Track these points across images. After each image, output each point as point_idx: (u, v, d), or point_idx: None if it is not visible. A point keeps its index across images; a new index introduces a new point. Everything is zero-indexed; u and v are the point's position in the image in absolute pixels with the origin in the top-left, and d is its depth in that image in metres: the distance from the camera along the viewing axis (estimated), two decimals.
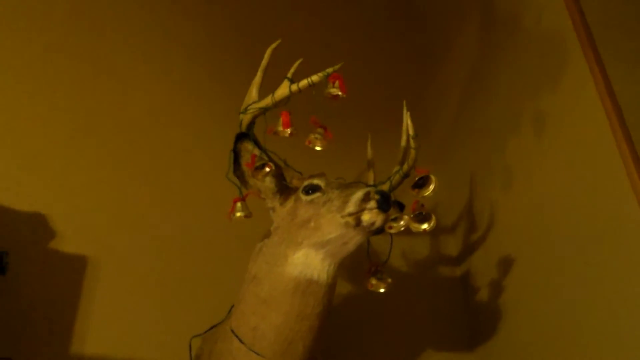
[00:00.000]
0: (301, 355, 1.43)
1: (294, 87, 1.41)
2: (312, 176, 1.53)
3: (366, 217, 1.37)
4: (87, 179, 1.94)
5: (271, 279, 1.45)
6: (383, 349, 2.08)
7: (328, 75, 1.39)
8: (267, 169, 1.44)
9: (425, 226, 1.51)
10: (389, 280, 1.59)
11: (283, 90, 1.43)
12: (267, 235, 1.55)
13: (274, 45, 1.51)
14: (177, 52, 2.29)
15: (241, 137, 1.50)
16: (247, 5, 2.53)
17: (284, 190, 1.55)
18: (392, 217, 1.45)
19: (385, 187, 1.57)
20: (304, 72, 1.41)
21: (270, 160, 1.49)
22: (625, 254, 1.51)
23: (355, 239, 1.43)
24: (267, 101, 1.45)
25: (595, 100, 1.62)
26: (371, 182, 1.69)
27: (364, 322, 2.07)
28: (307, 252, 1.43)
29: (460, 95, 2.47)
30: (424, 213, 1.51)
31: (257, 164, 1.43)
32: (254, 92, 1.50)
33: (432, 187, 1.49)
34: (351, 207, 1.38)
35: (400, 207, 1.54)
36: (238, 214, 1.47)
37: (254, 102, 1.48)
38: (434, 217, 1.51)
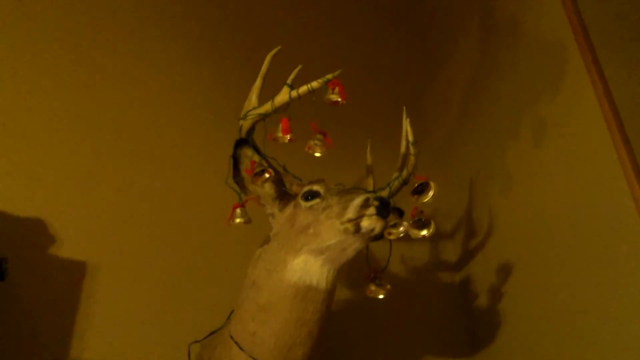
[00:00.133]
0: None
1: (294, 93, 1.41)
2: (311, 182, 1.53)
3: (365, 224, 1.37)
4: (86, 185, 1.94)
5: (270, 285, 1.45)
6: (382, 355, 2.07)
7: (328, 82, 1.39)
8: (267, 175, 1.44)
9: (424, 232, 1.51)
10: (388, 286, 1.59)
11: (283, 96, 1.43)
12: (267, 241, 1.55)
13: (273, 52, 1.51)
14: (177, 59, 2.29)
15: (241, 143, 1.50)
16: (248, 12, 2.53)
17: (284, 196, 1.55)
18: (392, 223, 1.45)
19: (384, 194, 1.57)
20: (304, 79, 1.42)
21: (270, 166, 1.49)
22: (624, 259, 1.51)
23: (354, 245, 1.43)
24: (267, 107, 1.45)
25: (594, 106, 1.62)
26: (370, 188, 1.69)
27: (363, 328, 2.07)
28: (306, 258, 1.44)
29: (459, 101, 2.47)
30: (423, 219, 1.51)
31: (257, 170, 1.43)
32: (253, 98, 1.50)
33: (431, 193, 1.49)
34: (350, 214, 1.38)
35: (400, 213, 1.54)
36: (237, 220, 1.47)
37: (253, 108, 1.48)
38: (433, 223, 1.51)
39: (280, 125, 1.42)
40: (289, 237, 1.47)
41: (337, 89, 1.39)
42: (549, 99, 1.84)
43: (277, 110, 1.45)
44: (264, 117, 1.47)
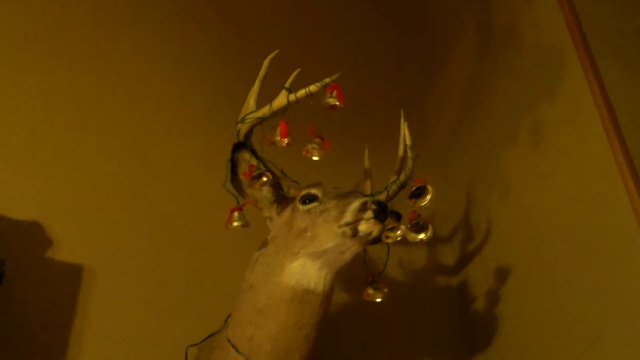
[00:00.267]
0: None
1: (292, 97, 1.41)
2: (309, 186, 1.54)
3: (363, 227, 1.37)
4: (84, 188, 1.93)
5: (268, 288, 1.45)
6: (380, 359, 2.07)
7: (326, 85, 1.40)
8: (265, 179, 1.44)
9: (422, 236, 1.51)
10: (386, 290, 1.59)
11: (281, 100, 1.43)
12: (264, 244, 1.55)
13: (272, 55, 1.51)
14: (175, 63, 2.29)
15: (239, 146, 1.50)
16: (246, 16, 2.53)
17: (281, 199, 1.55)
18: (389, 226, 1.45)
19: (382, 197, 1.57)
20: (302, 82, 1.42)
21: (268, 169, 1.49)
22: (622, 263, 1.51)
23: (352, 248, 1.43)
24: (265, 111, 1.46)
25: (592, 110, 1.62)
26: (368, 192, 1.69)
27: (361, 332, 2.07)
28: (303, 262, 1.44)
29: (457, 105, 2.48)
30: (420, 223, 1.51)
31: (255, 173, 1.44)
32: (251, 101, 1.50)
33: (429, 197, 1.49)
34: (348, 217, 1.38)
35: (397, 216, 1.54)
36: (235, 224, 1.46)
37: (251, 112, 1.48)
38: (430, 227, 1.51)
39: (278, 128, 1.42)
40: (287, 240, 1.47)
41: (335, 93, 1.39)
42: (547, 103, 1.84)
43: (275, 114, 1.45)
44: (262, 120, 1.47)
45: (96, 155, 2.00)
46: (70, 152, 1.97)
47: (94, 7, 2.24)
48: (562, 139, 1.77)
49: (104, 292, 1.82)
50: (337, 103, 1.40)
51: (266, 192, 1.53)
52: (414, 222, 1.51)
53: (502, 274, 2.01)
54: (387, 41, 2.84)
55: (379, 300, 1.58)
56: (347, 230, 1.38)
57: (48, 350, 1.70)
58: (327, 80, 1.39)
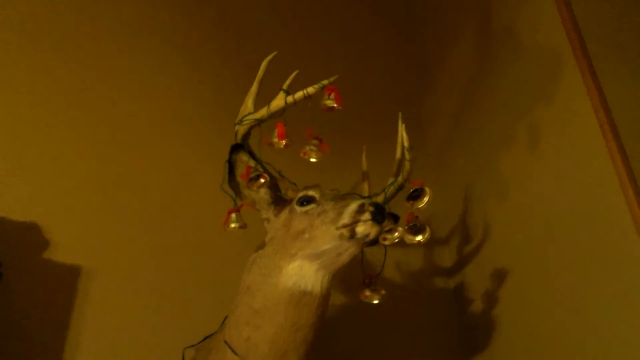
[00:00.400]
0: None
1: (290, 98, 1.41)
2: (306, 187, 1.54)
3: (360, 229, 1.37)
4: (81, 189, 1.94)
5: (265, 289, 1.45)
6: None
7: (324, 87, 1.39)
8: (262, 180, 1.44)
9: (419, 238, 1.51)
10: (383, 291, 1.59)
11: (278, 101, 1.43)
12: (262, 246, 1.55)
13: (270, 57, 1.51)
14: (173, 64, 2.29)
15: (236, 148, 1.50)
16: (245, 18, 2.53)
17: (279, 201, 1.55)
18: (387, 228, 1.45)
19: (379, 199, 1.58)
20: (300, 84, 1.42)
21: (265, 171, 1.49)
22: (619, 265, 1.52)
23: (349, 250, 1.43)
24: (263, 112, 1.46)
25: (589, 112, 1.63)
26: (366, 194, 1.69)
27: (358, 334, 2.07)
28: (301, 264, 1.43)
29: (455, 107, 2.48)
30: (418, 225, 1.51)
31: (252, 175, 1.44)
32: (249, 103, 1.50)
33: (426, 199, 1.49)
34: (346, 219, 1.38)
35: (395, 218, 1.54)
36: (232, 225, 1.46)
37: (249, 114, 1.48)
38: (428, 229, 1.51)
39: (276, 130, 1.42)
40: (284, 242, 1.47)
41: (333, 95, 1.39)
42: (544, 106, 1.85)
43: (272, 116, 1.45)
44: (259, 122, 1.47)
45: (94, 157, 2.00)
46: (68, 154, 1.97)
47: (93, 7, 2.24)
48: (560, 141, 1.78)
49: (101, 293, 1.82)
50: (335, 105, 1.40)
51: (264, 193, 1.53)
52: (411, 224, 1.51)
53: (499, 276, 2.01)
54: (385, 43, 2.84)
55: (376, 302, 1.58)
56: (345, 232, 1.38)
57: (45, 351, 1.70)
58: (325, 82, 1.39)
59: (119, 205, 1.96)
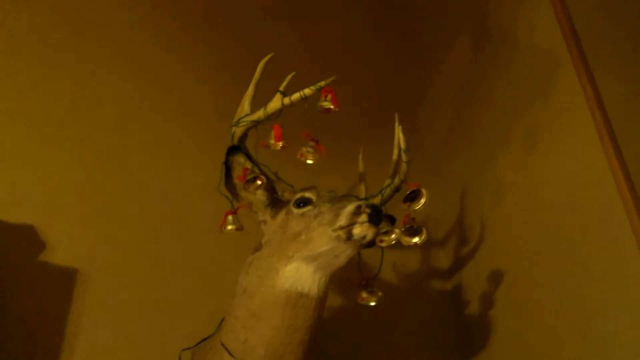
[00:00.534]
0: None
1: (286, 100, 1.42)
2: (303, 189, 1.54)
3: (357, 231, 1.37)
4: (77, 192, 1.93)
5: (262, 292, 1.45)
6: None
7: (320, 89, 1.40)
8: (259, 182, 1.44)
9: (416, 240, 1.51)
10: (380, 293, 1.59)
11: (275, 103, 1.43)
12: (258, 248, 1.55)
13: (266, 59, 1.51)
14: (169, 65, 2.29)
15: (233, 150, 1.50)
16: (241, 20, 2.53)
17: (276, 203, 1.55)
18: (383, 230, 1.45)
19: (376, 201, 1.58)
20: (297, 86, 1.42)
21: (262, 173, 1.49)
22: (616, 266, 1.52)
23: (346, 252, 1.43)
24: (259, 114, 1.46)
25: (585, 113, 1.63)
26: (362, 196, 1.69)
27: (355, 336, 2.07)
28: (298, 266, 1.43)
29: (451, 109, 2.48)
30: (415, 226, 1.51)
31: (249, 177, 1.43)
32: (246, 105, 1.50)
33: (423, 200, 1.49)
34: (342, 221, 1.38)
35: (392, 220, 1.54)
36: (229, 227, 1.46)
37: (246, 115, 1.48)
38: (425, 231, 1.51)
39: (273, 132, 1.42)
40: (281, 244, 1.47)
41: (329, 96, 1.40)
42: (541, 107, 1.85)
43: (269, 117, 1.45)
44: (256, 124, 1.47)
45: (90, 158, 1.99)
46: (64, 156, 1.96)
47: (92, 9, 2.24)
48: (556, 142, 1.78)
49: (97, 296, 1.81)
50: (332, 106, 1.40)
51: (260, 195, 1.53)
52: (408, 225, 1.51)
53: (495, 278, 2.01)
54: (382, 45, 2.85)
55: (373, 304, 1.58)
56: (342, 233, 1.38)
57: (41, 354, 1.69)
58: (322, 83, 1.40)
59: (115, 207, 1.96)
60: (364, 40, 2.81)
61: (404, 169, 1.56)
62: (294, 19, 2.68)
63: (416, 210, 1.50)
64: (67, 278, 1.79)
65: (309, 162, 1.48)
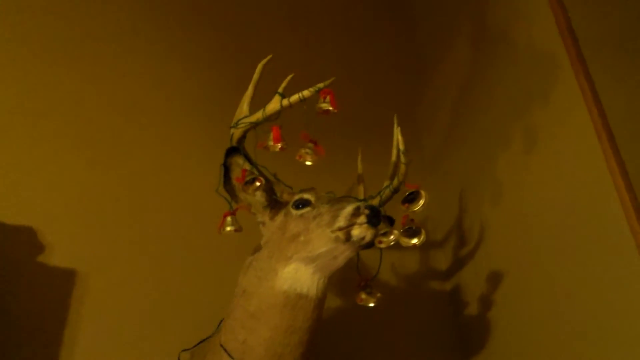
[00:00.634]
0: None
1: (285, 101, 1.41)
2: (302, 191, 1.54)
3: (356, 232, 1.38)
4: (76, 193, 1.93)
5: (261, 293, 1.45)
6: None
7: (319, 90, 1.40)
8: (258, 184, 1.44)
9: (415, 241, 1.51)
10: (379, 294, 1.59)
11: (274, 104, 1.43)
12: (257, 249, 1.55)
13: (265, 60, 1.51)
14: (168, 67, 2.29)
15: (232, 151, 1.50)
16: (240, 22, 2.53)
17: (274, 204, 1.55)
18: (382, 231, 1.45)
19: (375, 202, 1.58)
20: (295, 87, 1.42)
21: (261, 174, 1.49)
22: (615, 267, 1.52)
23: (345, 253, 1.43)
24: (258, 116, 1.46)
25: (584, 115, 1.63)
26: (361, 197, 1.69)
27: (354, 336, 2.07)
28: (297, 267, 1.43)
29: (450, 110, 2.48)
30: (413, 228, 1.51)
31: (248, 178, 1.43)
32: (245, 106, 1.50)
33: (422, 202, 1.49)
34: (341, 222, 1.38)
35: (390, 221, 1.54)
36: (228, 228, 1.46)
37: (244, 117, 1.49)
38: (423, 232, 1.51)
39: (272, 133, 1.42)
40: (280, 245, 1.47)
41: (328, 98, 1.40)
42: (539, 108, 1.85)
43: (268, 119, 1.45)
44: (255, 125, 1.47)
45: (89, 160, 1.99)
46: (63, 157, 1.96)
47: (92, 9, 2.24)
48: (555, 143, 1.78)
49: (96, 297, 1.81)
50: (331, 108, 1.40)
51: (259, 196, 1.53)
52: (407, 226, 1.51)
53: (494, 279, 2.01)
54: (381, 46, 2.85)
55: (372, 305, 1.58)
56: (340, 234, 1.38)
57: (41, 355, 1.69)
58: (321, 85, 1.40)
59: (114, 208, 1.96)
60: (363, 41, 2.81)
61: (402, 170, 1.56)
62: (293, 20, 2.68)
63: (415, 211, 1.50)
64: (66, 279, 1.79)
65: (308, 163, 1.48)
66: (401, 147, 1.55)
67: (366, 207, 1.39)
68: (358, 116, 2.44)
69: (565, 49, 1.73)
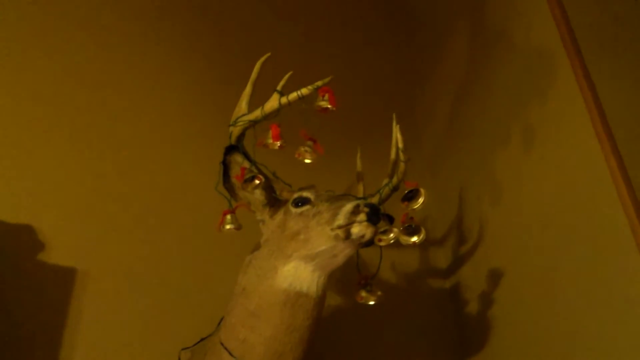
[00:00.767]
0: None
1: (284, 99, 1.41)
2: (301, 189, 1.54)
3: (356, 230, 1.38)
4: (76, 191, 1.93)
5: (261, 291, 1.45)
6: None
7: (318, 88, 1.39)
8: (257, 182, 1.43)
9: (414, 239, 1.51)
10: (379, 292, 1.59)
11: (273, 103, 1.43)
12: (257, 247, 1.55)
13: (263, 58, 1.51)
14: (167, 66, 2.29)
15: (231, 149, 1.50)
16: (239, 20, 2.53)
17: (274, 202, 1.55)
18: (382, 229, 1.45)
19: (374, 200, 1.57)
20: (294, 85, 1.42)
21: (260, 172, 1.49)
22: (615, 266, 1.52)
23: (344, 251, 1.43)
24: (257, 114, 1.46)
25: (583, 112, 1.63)
26: (361, 195, 1.69)
27: (354, 335, 2.07)
28: (296, 265, 1.44)
29: (449, 108, 2.48)
30: (413, 226, 1.51)
31: (247, 176, 1.43)
32: (243, 104, 1.50)
33: (421, 200, 1.49)
34: (341, 220, 1.38)
35: (390, 219, 1.54)
36: (227, 227, 1.46)
37: (243, 115, 1.48)
38: (423, 230, 1.51)
39: (270, 131, 1.42)
40: (280, 243, 1.47)
41: (327, 96, 1.40)
42: (538, 107, 1.85)
43: (267, 117, 1.45)
44: (254, 123, 1.47)
45: (89, 158, 2.00)
46: (63, 155, 1.97)
47: (92, 10, 2.24)
48: (554, 141, 1.78)
49: (96, 295, 1.81)
50: (329, 106, 1.40)
51: (258, 194, 1.53)
52: (406, 225, 1.51)
53: (494, 277, 2.01)
54: (379, 44, 2.85)
55: (372, 303, 1.58)
56: (340, 233, 1.38)
57: (40, 354, 1.69)
58: (319, 83, 1.40)
59: (113, 207, 1.96)
60: (362, 39, 2.81)
61: (402, 168, 1.56)
62: (292, 18, 2.68)
63: (414, 209, 1.50)
64: (65, 277, 1.79)
65: (307, 161, 1.48)
66: (400, 145, 1.55)
67: (366, 205, 1.39)
68: (357, 114, 2.43)
69: (564, 47, 1.73)
